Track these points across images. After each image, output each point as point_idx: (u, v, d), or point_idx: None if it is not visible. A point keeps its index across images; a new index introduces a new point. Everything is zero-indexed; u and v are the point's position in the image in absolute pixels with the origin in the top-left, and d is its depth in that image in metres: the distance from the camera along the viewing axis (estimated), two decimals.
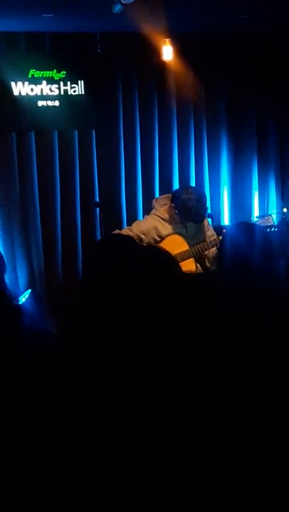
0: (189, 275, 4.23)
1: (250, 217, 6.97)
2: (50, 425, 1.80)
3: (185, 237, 5.29)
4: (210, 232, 5.39)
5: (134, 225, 5.48)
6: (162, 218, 5.31)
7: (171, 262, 2.40)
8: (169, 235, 5.27)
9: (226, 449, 1.86)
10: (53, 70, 6.71)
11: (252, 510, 1.84)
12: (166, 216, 5.30)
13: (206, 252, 5.26)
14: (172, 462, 1.80)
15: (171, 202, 5.30)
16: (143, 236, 5.26)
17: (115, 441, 1.79)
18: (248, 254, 2.84)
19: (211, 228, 5.47)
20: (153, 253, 2.48)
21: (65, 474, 1.77)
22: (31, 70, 6.65)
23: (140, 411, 1.84)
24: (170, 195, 5.44)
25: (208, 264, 5.21)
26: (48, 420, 1.80)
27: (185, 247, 5.26)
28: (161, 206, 5.39)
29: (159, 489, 1.77)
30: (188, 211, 5.21)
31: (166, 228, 5.29)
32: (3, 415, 1.82)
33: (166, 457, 1.80)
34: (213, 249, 5.17)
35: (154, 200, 5.56)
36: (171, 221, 5.29)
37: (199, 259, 5.33)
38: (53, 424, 1.80)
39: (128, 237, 2.89)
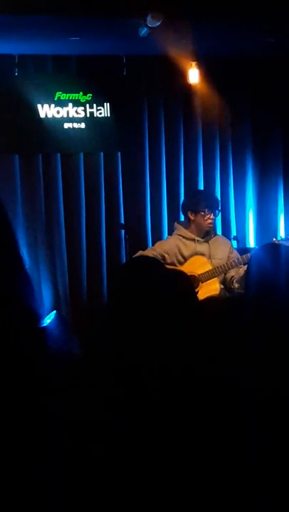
0: (212, 299, 4.23)
1: (276, 239, 6.93)
2: (63, 436, 1.81)
3: (208, 258, 5.30)
4: (233, 255, 5.38)
5: (157, 244, 5.53)
6: (184, 237, 5.34)
7: (188, 288, 2.38)
8: (192, 255, 5.30)
9: (225, 449, 1.86)
10: (79, 93, 6.76)
11: (252, 510, 1.85)
12: (189, 235, 5.34)
13: (233, 274, 5.24)
14: (172, 462, 1.80)
15: (185, 212, 5.41)
16: (166, 255, 5.29)
17: (115, 441, 1.80)
18: (275, 276, 2.81)
19: (235, 251, 5.47)
20: (172, 278, 2.46)
21: (66, 478, 1.77)
22: (58, 93, 6.70)
23: (141, 415, 1.85)
24: None
25: (236, 285, 5.17)
26: (62, 433, 1.81)
27: (208, 267, 5.26)
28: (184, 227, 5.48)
29: (159, 489, 1.78)
30: (199, 197, 5.45)
31: (188, 248, 5.31)
32: (29, 434, 1.83)
33: (166, 457, 1.80)
34: (241, 270, 5.13)
35: (175, 223, 5.60)
36: (193, 237, 5.32)
37: (224, 280, 5.33)
38: (65, 436, 1.81)
39: (154, 260, 2.88)
